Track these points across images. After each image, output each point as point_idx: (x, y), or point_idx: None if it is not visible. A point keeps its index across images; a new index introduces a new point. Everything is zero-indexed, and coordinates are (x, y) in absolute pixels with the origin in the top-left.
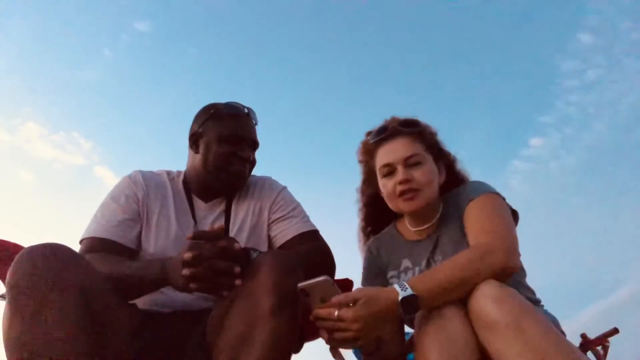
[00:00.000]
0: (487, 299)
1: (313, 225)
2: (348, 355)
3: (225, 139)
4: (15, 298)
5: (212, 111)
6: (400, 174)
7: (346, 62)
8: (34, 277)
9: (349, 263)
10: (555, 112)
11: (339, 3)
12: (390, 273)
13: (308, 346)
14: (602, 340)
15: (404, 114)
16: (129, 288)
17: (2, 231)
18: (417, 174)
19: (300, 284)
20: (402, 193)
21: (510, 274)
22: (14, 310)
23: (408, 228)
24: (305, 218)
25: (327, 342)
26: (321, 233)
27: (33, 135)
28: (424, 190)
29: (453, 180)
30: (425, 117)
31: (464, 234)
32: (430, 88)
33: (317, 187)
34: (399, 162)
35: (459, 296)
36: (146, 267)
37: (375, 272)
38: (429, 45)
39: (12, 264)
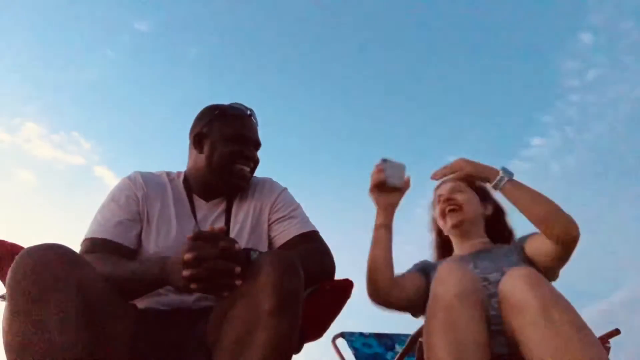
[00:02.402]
0: (519, 282)
1: (313, 226)
2: (348, 355)
3: (231, 139)
4: (15, 299)
5: (216, 112)
6: (445, 195)
7: (349, 61)
8: (33, 278)
9: (349, 264)
10: (556, 112)
11: (343, 3)
12: (434, 275)
13: (308, 346)
14: (603, 341)
15: (404, 113)
16: (128, 288)
17: (2, 231)
18: (458, 196)
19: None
20: (445, 210)
21: (570, 241)
22: (14, 310)
23: (459, 249)
24: (305, 219)
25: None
26: (321, 234)
27: (33, 135)
28: (464, 207)
29: (501, 228)
30: (425, 116)
31: (511, 254)
32: (431, 87)
33: (318, 188)
34: (446, 191)
35: (535, 214)
36: (145, 267)
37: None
38: (429, 45)
39: (12, 264)
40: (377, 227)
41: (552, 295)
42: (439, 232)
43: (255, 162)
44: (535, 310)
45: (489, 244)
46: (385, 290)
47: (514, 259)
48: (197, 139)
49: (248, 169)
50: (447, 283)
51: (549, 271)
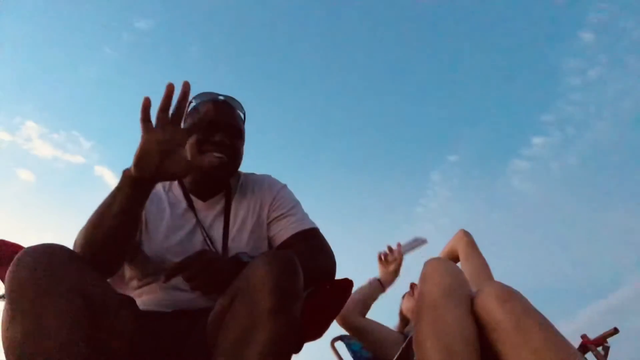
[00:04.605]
0: (491, 298)
1: (312, 223)
2: (346, 357)
3: (197, 128)
4: (14, 299)
5: (189, 105)
6: None
7: (350, 60)
8: (33, 278)
9: (350, 263)
10: (556, 110)
11: (345, 2)
12: None
13: (308, 346)
14: (602, 340)
15: (405, 112)
16: (108, 221)
17: (2, 231)
18: None
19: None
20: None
21: None
22: (13, 311)
23: None
24: (304, 216)
25: None
26: (322, 232)
27: (33, 134)
28: None
29: None
30: (426, 116)
31: None
32: (431, 86)
33: (320, 187)
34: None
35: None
36: (112, 191)
37: None
38: (430, 43)
39: (12, 264)
40: (376, 280)
41: (523, 310)
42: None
43: (229, 147)
44: (507, 327)
45: None
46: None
47: None
48: None
49: (221, 155)
50: (431, 280)
51: None
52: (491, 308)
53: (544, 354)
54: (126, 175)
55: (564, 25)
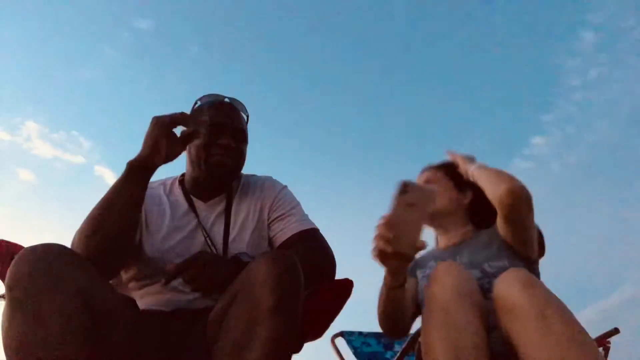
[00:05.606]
0: (515, 284)
1: (312, 224)
2: (347, 353)
3: (204, 129)
4: (14, 298)
5: (194, 106)
6: None
7: (350, 58)
8: (33, 278)
9: (350, 263)
10: (557, 110)
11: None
12: (419, 273)
13: (308, 346)
14: (603, 340)
15: (405, 111)
16: (112, 210)
17: (2, 231)
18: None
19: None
20: None
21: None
22: (14, 310)
23: (440, 241)
24: (304, 216)
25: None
26: (321, 232)
27: (33, 134)
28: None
29: (484, 212)
30: (426, 115)
31: (491, 242)
32: (432, 86)
33: (319, 186)
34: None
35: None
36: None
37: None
38: (430, 43)
39: (12, 264)
40: (390, 288)
41: (547, 298)
42: None
43: (235, 150)
44: (530, 314)
45: (470, 233)
46: (403, 333)
47: (494, 248)
48: None
49: (227, 158)
50: (443, 283)
51: (523, 251)
52: (514, 292)
53: (566, 342)
54: (135, 165)
55: (564, 25)
